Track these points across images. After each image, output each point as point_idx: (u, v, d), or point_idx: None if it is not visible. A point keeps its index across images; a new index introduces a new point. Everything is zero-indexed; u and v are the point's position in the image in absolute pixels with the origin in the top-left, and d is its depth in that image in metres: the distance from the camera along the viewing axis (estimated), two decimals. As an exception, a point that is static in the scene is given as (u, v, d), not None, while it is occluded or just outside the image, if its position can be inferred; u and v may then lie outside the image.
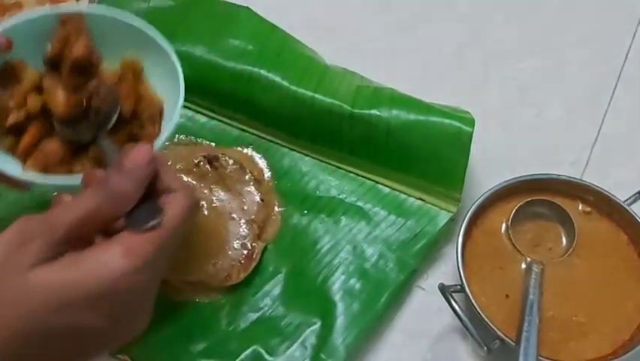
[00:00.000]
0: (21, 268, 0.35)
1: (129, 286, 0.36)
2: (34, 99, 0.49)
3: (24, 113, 0.49)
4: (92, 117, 0.49)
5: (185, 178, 0.59)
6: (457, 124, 0.57)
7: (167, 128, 0.49)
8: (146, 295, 0.38)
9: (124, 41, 0.52)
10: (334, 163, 0.62)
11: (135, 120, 0.52)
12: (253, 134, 0.64)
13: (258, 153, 0.63)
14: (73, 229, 0.37)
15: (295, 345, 0.53)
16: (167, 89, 0.52)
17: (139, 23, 0.52)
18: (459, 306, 0.51)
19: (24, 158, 0.49)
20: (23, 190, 0.52)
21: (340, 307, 0.55)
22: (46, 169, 0.48)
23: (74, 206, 0.38)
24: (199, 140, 0.64)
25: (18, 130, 0.49)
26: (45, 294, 0.35)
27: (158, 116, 0.52)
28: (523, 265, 0.55)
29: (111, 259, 0.36)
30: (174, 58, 0.51)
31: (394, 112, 0.59)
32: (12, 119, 0.48)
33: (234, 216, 0.59)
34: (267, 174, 0.62)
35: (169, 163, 0.61)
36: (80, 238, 0.37)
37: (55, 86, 0.48)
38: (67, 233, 0.36)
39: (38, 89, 0.50)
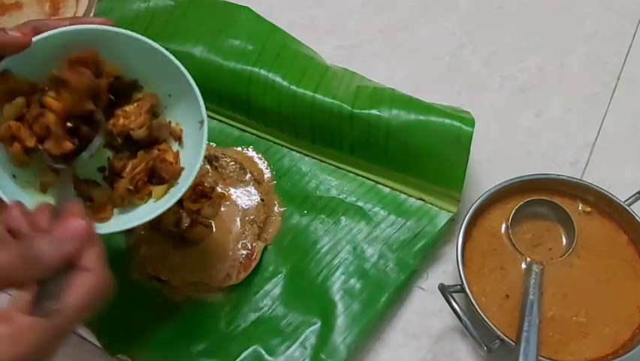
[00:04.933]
0: None
1: None
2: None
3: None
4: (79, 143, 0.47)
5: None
6: (457, 124, 0.57)
7: (199, 153, 0.47)
8: None
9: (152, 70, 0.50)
10: (334, 163, 0.62)
11: (151, 150, 0.50)
12: (253, 134, 0.64)
13: (258, 153, 0.63)
14: None
15: (295, 345, 0.53)
16: (182, 113, 0.50)
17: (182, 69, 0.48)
18: (459, 306, 0.51)
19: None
20: None
21: (340, 307, 0.55)
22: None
23: None
24: (199, 140, 0.64)
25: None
26: None
27: (171, 138, 0.50)
28: (523, 265, 0.55)
29: None
30: (192, 81, 0.48)
31: (394, 112, 0.59)
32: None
33: (234, 216, 0.59)
34: (267, 174, 0.62)
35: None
36: None
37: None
38: None
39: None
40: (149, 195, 0.49)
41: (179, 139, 0.51)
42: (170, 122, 0.51)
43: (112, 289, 0.39)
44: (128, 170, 0.48)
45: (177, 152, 0.50)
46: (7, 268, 0.35)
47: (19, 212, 0.40)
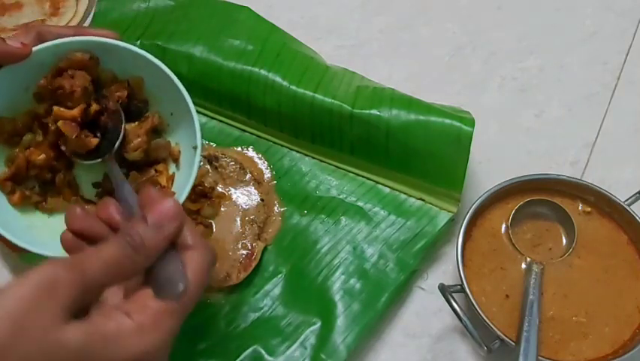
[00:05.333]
0: (49, 319, 0.32)
1: (148, 358, 0.35)
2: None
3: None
4: (101, 136, 0.48)
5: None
6: (457, 124, 0.57)
7: (189, 179, 0.46)
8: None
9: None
10: (334, 163, 0.62)
11: (149, 166, 0.50)
12: (253, 134, 0.64)
13: (258, 153, 0.63)
14: (100, 278, 0.35)
15: (295, 345, 0.53)
16: (182, 134, 0.50)
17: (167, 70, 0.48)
18: (459, 306, 0.51)
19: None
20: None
21: (340, 307, 0.55)
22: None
23: (102, 254, 0.35)
24: (199, 140, 0.64)
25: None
26: (70, 356, 0.32)
27: (169, 159, 0.50)
28: (523, 265, 0.55)
29: (134, 334, 0.34)
30: (191, 104, 0.48)
31: (394, 112, 0.59)
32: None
33: (234, 216, 0.59)
34: (267, 174, 0.62)
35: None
36: (101, 289, 0.36)
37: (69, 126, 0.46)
38: (94, 283, 0.34)
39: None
40: None
41: (176, 161, 0.50)
42: (169, 141, 0.50)
43: (216, 260, 0.40)
44: None
45: (173, 174, 0.49)
46: (117, 263, 0.36)
47: (81, 212, 0.40)
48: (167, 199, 0.39)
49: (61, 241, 0.40)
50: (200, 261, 0.38)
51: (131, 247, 0.36)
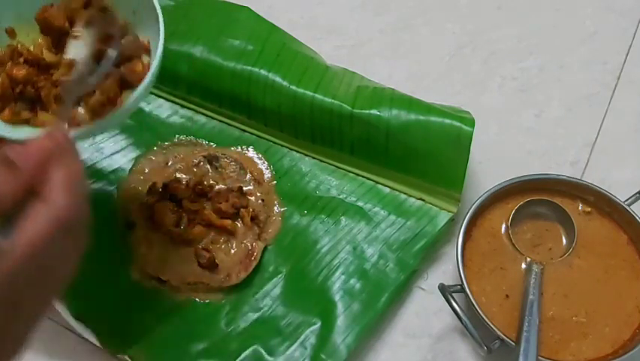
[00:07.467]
0: None
1: None
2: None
3: None
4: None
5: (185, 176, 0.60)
6: (457, 124, 0.57)
7: (153, 64, 0.48)
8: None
9: None
10: (334, 163, 0.62)
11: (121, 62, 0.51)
12: (253, 134, 0.64)
13: (258, 153, 0.63)
14: None
15: (295, 345, 0.53)
16: (147, 28, 0.51)
17: None
18: (459, 306, 0.51)
19: None
20: None
21: (340, 307, 0.55)
22: None
23: None
24: (199, 140, 0.64)
25: None
26: None
27: (142, 52, 0.51)
28: (523, 265, 0.55)
29: None
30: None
31: (394, 112, 0.59)
32: None
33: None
34: (267, 174, 0.62)
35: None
36: None
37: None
38: None
39: None
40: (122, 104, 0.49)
41: (147, 51, 0.51)
42: (137, 35, 0.52)
43: (83, 224, 0.35)
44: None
45: (148, 62, 0.51)
46: None
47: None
48: (43, 137, 0.34)
49: None
50: (43, 219, 0.32)
51: None
